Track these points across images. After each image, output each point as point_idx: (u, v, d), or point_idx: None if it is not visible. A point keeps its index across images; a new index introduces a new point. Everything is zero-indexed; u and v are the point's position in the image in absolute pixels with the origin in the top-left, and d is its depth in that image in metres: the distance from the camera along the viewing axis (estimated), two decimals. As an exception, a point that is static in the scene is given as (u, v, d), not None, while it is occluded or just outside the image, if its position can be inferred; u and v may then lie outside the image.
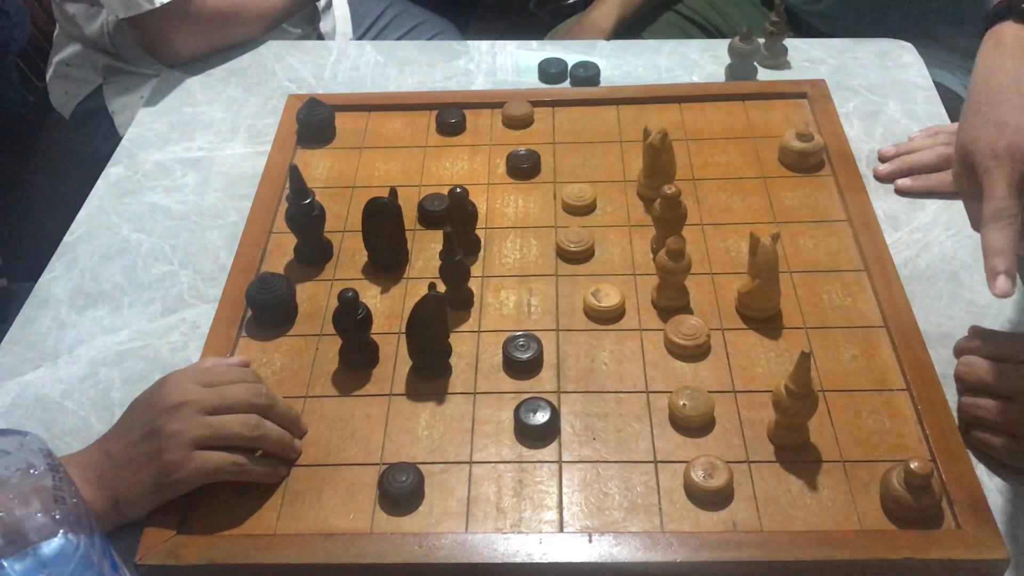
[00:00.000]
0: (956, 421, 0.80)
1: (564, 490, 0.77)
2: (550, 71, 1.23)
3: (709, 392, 0.82)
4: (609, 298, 0.90)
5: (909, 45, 1.27)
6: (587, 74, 1.21)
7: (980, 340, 0.82)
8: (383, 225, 0.94)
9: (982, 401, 0.79)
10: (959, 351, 0.84)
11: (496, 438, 0.81)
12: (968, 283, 0.94)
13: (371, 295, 0.94)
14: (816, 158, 1.05)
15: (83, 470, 0.73)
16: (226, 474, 0.75)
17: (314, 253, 0.98)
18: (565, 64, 1.23)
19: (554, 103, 1.16)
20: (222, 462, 0.75)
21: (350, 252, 0.99)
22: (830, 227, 0.98)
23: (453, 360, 0.87)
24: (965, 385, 0.81)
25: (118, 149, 1.16)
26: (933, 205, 1.03)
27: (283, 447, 0.79)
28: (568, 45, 1.31)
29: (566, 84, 1.22)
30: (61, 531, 0.58)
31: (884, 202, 1.03)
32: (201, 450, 0.74)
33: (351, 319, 0.84)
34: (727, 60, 1.22)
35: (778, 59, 1.24)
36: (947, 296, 0.92)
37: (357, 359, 0.87)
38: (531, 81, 1.23)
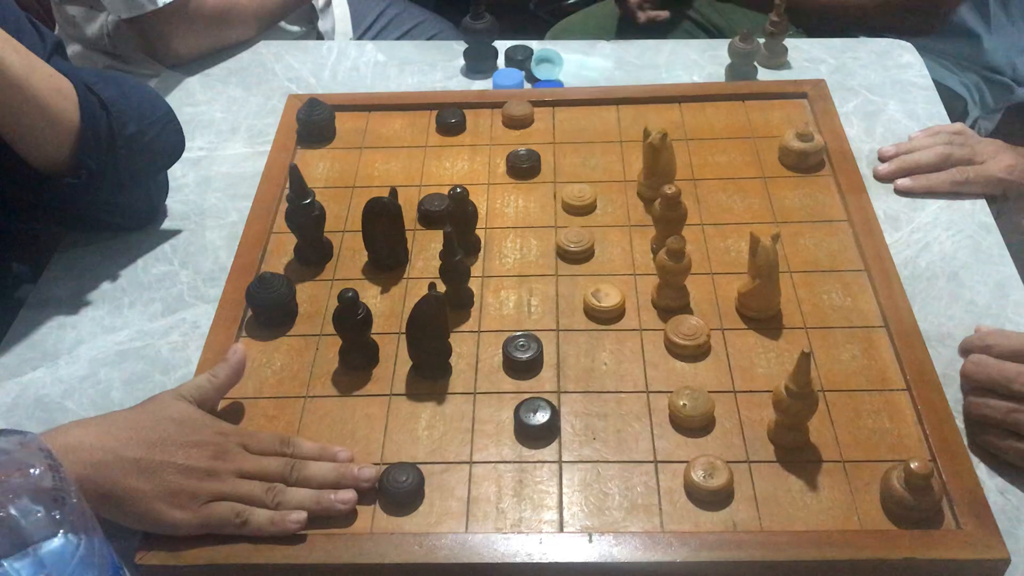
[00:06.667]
0: (956, 421, 0.80)
1: (564, 490, 0.77)
2: (516, 57, 1.25)
3: (709, 392, 0.82)
4: (609, 298, 0.90)
5: (909, 45, 1.27)
6: (521, 57, 1.25)
7: (991, 338, 0.81)
8: (383, 225, 0.94)
9: (991, 401, 0.78)
10: (967, 348, 0.83)
11: (496, 438, 0.81)
12: (968, 283, 0.94)
13: (371, 295, 0.94)
14: (816, 158, 1.05)
15: (85, 465, 0.72)
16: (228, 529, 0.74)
17: (314, 253, 0.98)
18: (530, 51, 1.25)
19: (554, 103, 1.16)
20: (222, 523, 0.73)
21: (350, 252, 0.99)
22: (830, 227, 0.98)
23: (453, 360, 0.87)
24: (973, 384, 0.80)
25: (118, 149, 1.16)
26: (933, 205, 1.03)
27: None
28: (568, 45, 1.31)
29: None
30: (61, 531, 0.58)
31: (884, 202, 1.03)
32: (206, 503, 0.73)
33: (351, 319, 0.84)
34: (727, 60, 1.22)
35: (778, 59, 1.24)
36: (947, 296, 0.92)
37: (357, 359, 0.87)
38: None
